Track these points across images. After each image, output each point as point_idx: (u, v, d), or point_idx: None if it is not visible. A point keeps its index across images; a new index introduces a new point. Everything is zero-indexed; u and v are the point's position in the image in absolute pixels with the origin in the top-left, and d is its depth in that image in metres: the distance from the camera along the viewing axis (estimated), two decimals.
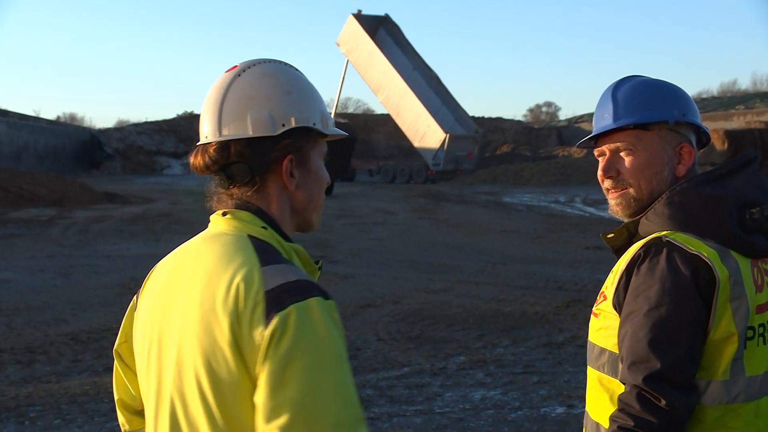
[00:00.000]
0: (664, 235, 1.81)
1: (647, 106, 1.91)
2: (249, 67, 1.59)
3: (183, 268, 1.53)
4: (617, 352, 1.80)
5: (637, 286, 1.76)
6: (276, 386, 1.32)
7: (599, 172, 1.96)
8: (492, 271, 11.63)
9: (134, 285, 10.39)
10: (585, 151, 2.36)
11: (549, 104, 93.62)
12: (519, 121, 59.61)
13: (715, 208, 1.81)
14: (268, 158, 1.54)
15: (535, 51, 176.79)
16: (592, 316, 1.93)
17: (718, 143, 24.09)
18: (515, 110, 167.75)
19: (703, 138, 1.99)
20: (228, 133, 1.54)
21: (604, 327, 1.86)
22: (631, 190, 1.92)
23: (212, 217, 1.59)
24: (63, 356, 6.92)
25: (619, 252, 1.94)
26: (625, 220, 1.96)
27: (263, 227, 1.54)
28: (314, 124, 1.58)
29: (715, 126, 33.00)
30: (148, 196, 26.92)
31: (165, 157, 47.48)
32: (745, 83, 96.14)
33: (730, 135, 24.34)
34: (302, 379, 1.32)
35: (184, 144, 48.48)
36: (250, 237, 1.51)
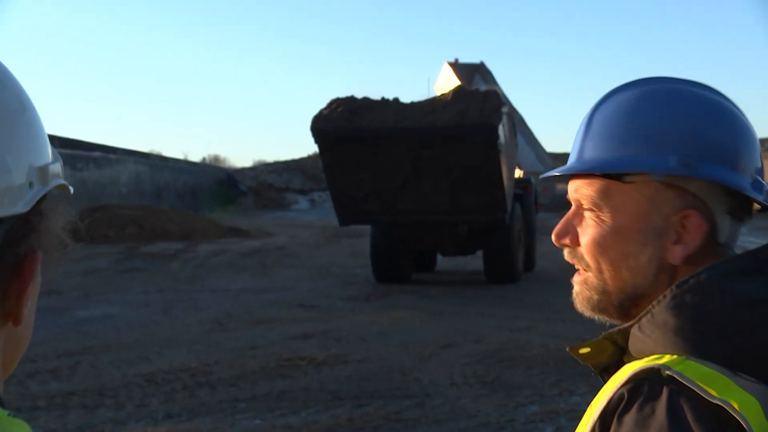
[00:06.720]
0: (665, 363, 1.01)
1: (625, 142, 1.12)
2: None
3: None
4: None
5: None
6: None
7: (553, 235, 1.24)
8: None
9: (227, 321, 10.49)
10: None
11: None
12: None
13: (757, 320, 1.01)
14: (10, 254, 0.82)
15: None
16: None
17: None
18: None
19: (752, 200, 1.12)
20: None
21: None
22: (590, 277, 1.18)
23: None
24: (130, 400, 6.97)
25: (607, 373, 1.18)
26: (596, 317, 1.22)
27: None
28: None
29: None
30: (270, 230, 27.55)
31: (293, 193, 49.27)
32: None
33: None
34: None
35: (311, 181, 50.04)
36: None
